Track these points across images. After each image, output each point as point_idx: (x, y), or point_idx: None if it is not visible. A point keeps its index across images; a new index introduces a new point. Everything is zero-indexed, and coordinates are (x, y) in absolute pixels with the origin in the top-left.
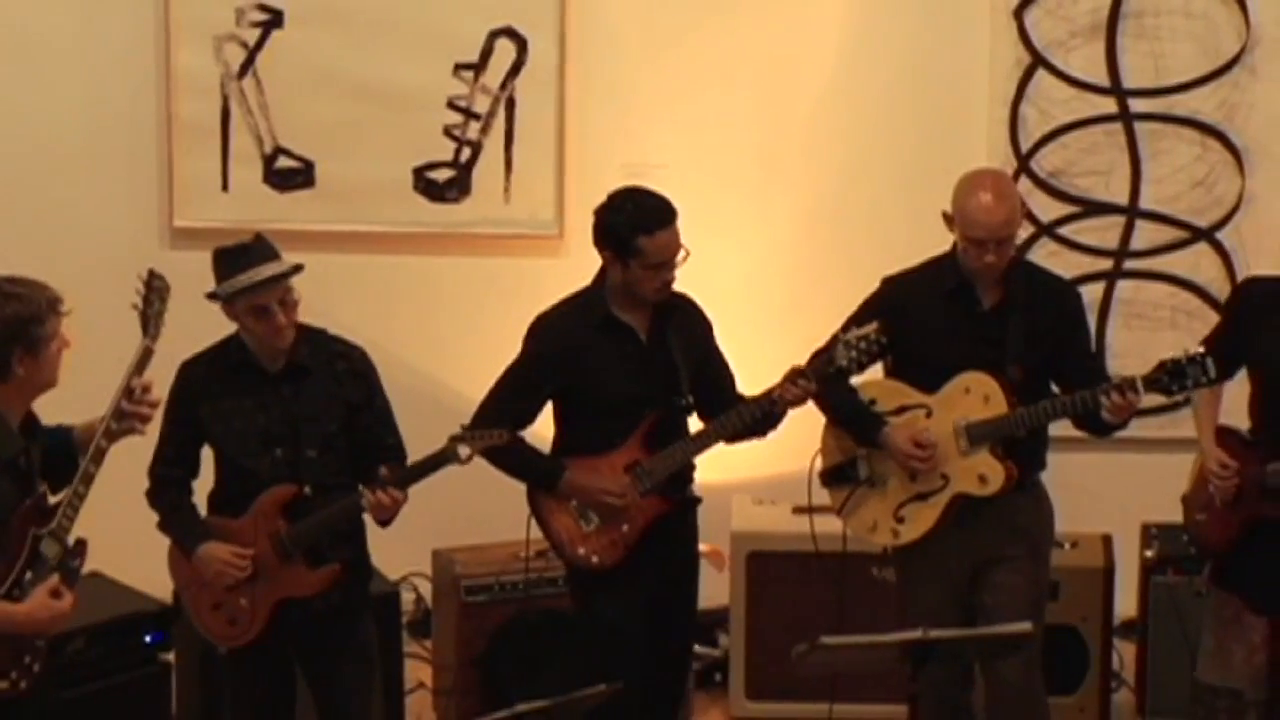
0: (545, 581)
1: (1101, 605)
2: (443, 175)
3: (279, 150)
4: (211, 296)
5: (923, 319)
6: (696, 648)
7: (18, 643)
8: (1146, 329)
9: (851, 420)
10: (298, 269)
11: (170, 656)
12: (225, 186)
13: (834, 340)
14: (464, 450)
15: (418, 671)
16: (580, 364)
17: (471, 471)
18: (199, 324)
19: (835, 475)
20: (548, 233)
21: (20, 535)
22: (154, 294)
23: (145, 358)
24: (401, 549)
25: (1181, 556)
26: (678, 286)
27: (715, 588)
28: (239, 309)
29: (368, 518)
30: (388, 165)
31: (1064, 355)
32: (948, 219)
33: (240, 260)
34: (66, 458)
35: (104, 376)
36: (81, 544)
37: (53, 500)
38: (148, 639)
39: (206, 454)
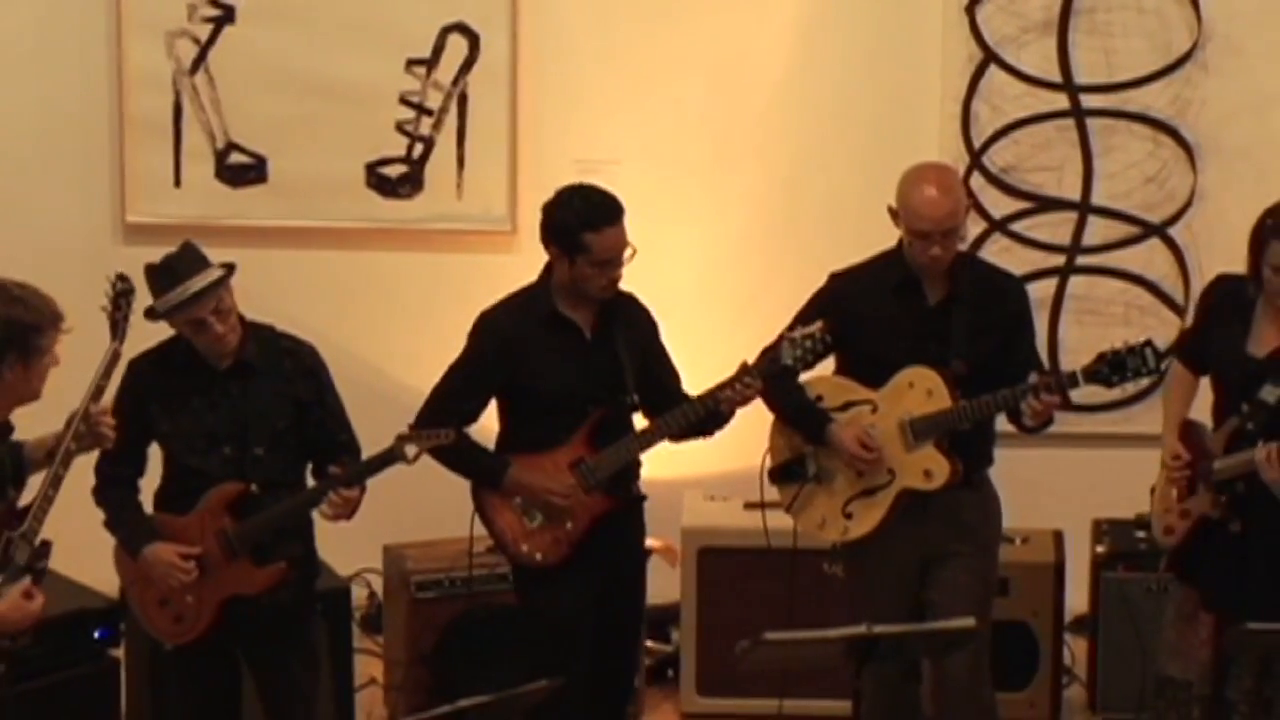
0: (496, 577)
1: (1052, 601)
2: (395, 171)
3: (231, 146)
4: (150, 314)
5: (869, 314)
6: (649, 643)
7: None
8: (1099, 325)
9: (798, 418)
10: (226, 274)
11: (119, 652)
12: (178, 182)
13: (780, 339)
14: (410, 449)
15: (370, 667)
16: (524, 360)
17: (425, 467)
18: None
19: (783, 473)
20: (500, 228)
21: None
22: (121, 298)
23: (113, 361)
24: (355, 545)
25: (1132, 552)
26: (632, 281)
27: (667, 583)
28: (177, 324)
29: (318, 516)
30: (340, 161)
31: (1008, 351)
32: (893, 214)
33: (166, 277)
34: (15, 471)
35: (59, 370)
36: (47, 545)
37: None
38: (96, 635)
39: (154, 451)
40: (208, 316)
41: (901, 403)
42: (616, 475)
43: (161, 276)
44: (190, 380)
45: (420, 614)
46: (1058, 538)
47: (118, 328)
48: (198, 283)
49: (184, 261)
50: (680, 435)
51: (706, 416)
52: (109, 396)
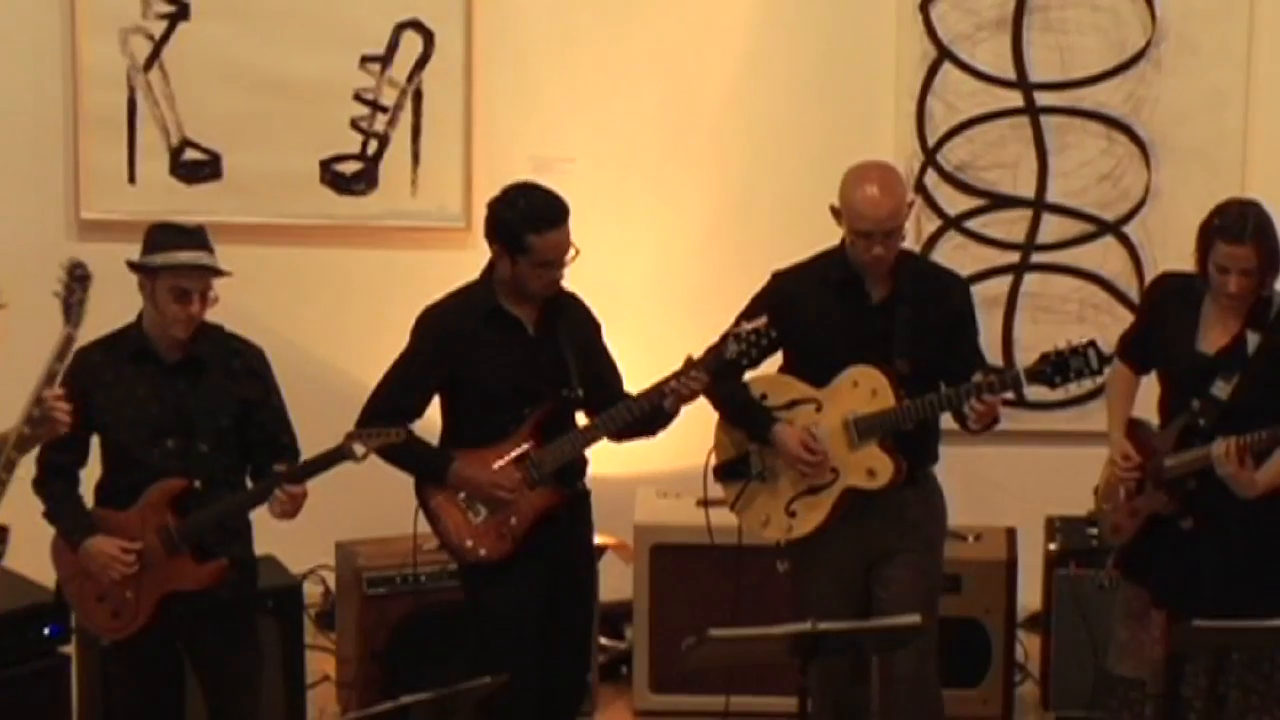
0: (447, 574)
1: (1004, 598)
2: (350, 168)
3: (186, 142)
4: (139, 266)
5: (812, 313)
6: (602, 640)
7: None
8: (1053, 322)
9: (742, 417)
10: (229, 272)
11: (70, 649)
12: (132, 179)
13: (725, 336)
14: (359, 448)
15: (324, 664)
16: (466, 354)
17: (381, 464)
18: (105, 315)
19: (728, 471)
20: (455, 225)
21: None
22: (76, 282)
23: (67, 346)
24: (310, 541)
25: (1084, 550)
26: (585, 279)
27: (622, 580)
28: (160, 285)
29: (262, 514)
30: (295, 158)
31: (951, 348)
32: (835, 213)
33: (182, 239)
34: None
35: (9, 367)
36: (3, 530)
37: None
38: (47, 631)
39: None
40: (195, 293)
41: (845, 401)
42: (561, 470)
43: (179, 235)
44: (138, 371)
45: (372, 610)
46: (1010, 535)
47: (71, 312)
48: (210, 259)
49: (198, 236)
50: (624, 433)
51: (649, 414)
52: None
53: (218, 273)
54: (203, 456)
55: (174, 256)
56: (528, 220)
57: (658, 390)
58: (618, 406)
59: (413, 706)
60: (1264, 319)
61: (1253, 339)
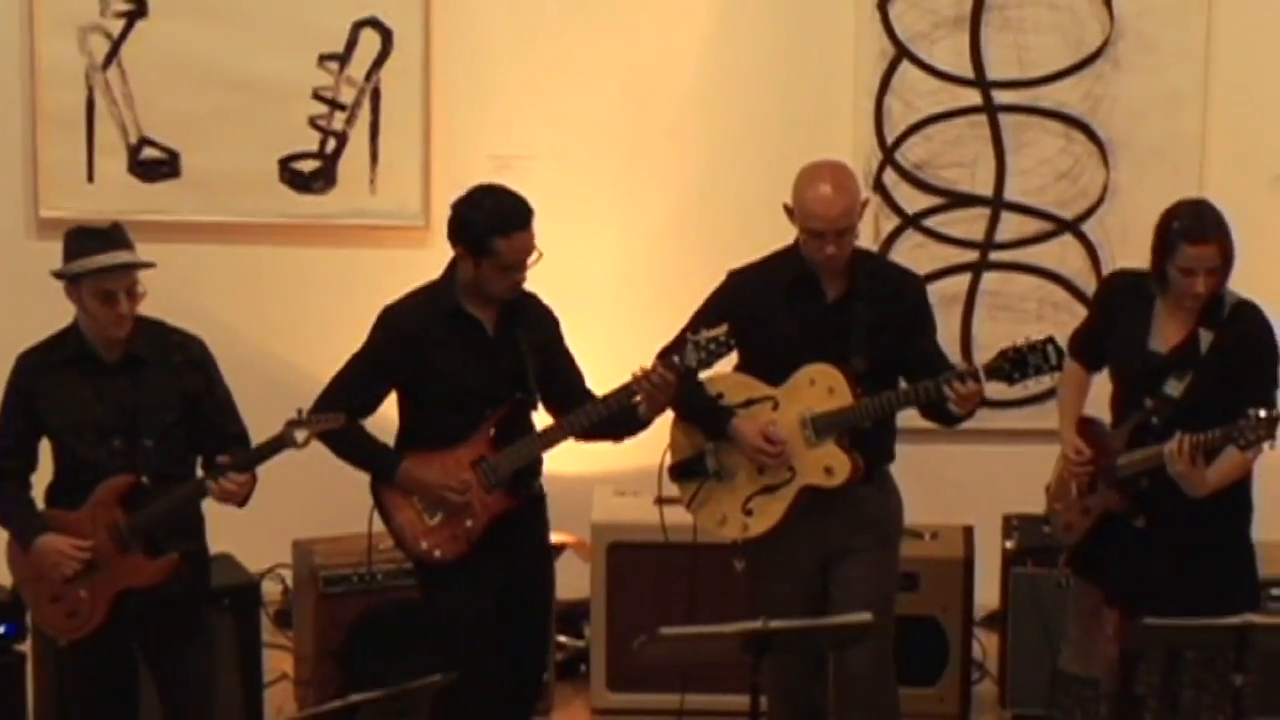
0: (404, 573)
1: (961, 596)
2: (308, 166)
3: (144, 141)
4: (59, 274)
5: (767, 311)
6: (560, 639)
7: None
8: (1012, 321)
9: (700, 414)
10: (151, 263)
11: (25, 647)
12: (90, 177)
13: (683, 340)
14: (300, 434)
15: (283, 662)
16: (424, 354)
17: (340, 463)
18: (64, 314)
19: (684, 470)
20: (414, 224)
21: None
22: None
23: None
24: (270, 540)
25: (1041, 548)
26: (545, 277)
27: (579, 579)
28: (85, 290)
29: (216, 508)
30: (253, 156)
31: (908, 345)
32: (789, 212)
33: (97, 243)
34: None
35: None
36: None
37: None
38: (1, 630)
39: (45, 447)
40: (120, 292)
41: (803, 399)
42: (517, 473)
43: (93, 240)
44: (79, 372)
45: (328, 609)
46: (967, 533)
47: None
48: (127, 256)
49: (116, 235)
50: (587, 435)
51: (615, 417)
52: None
53: (139, 266)
54: (149, 452)
55: (91, 261)
56: (492, 223)
57: (622, 392)
58: (576, 411)
59: (362, 705)
60: (1217, 317)
61: (1205, 337)
